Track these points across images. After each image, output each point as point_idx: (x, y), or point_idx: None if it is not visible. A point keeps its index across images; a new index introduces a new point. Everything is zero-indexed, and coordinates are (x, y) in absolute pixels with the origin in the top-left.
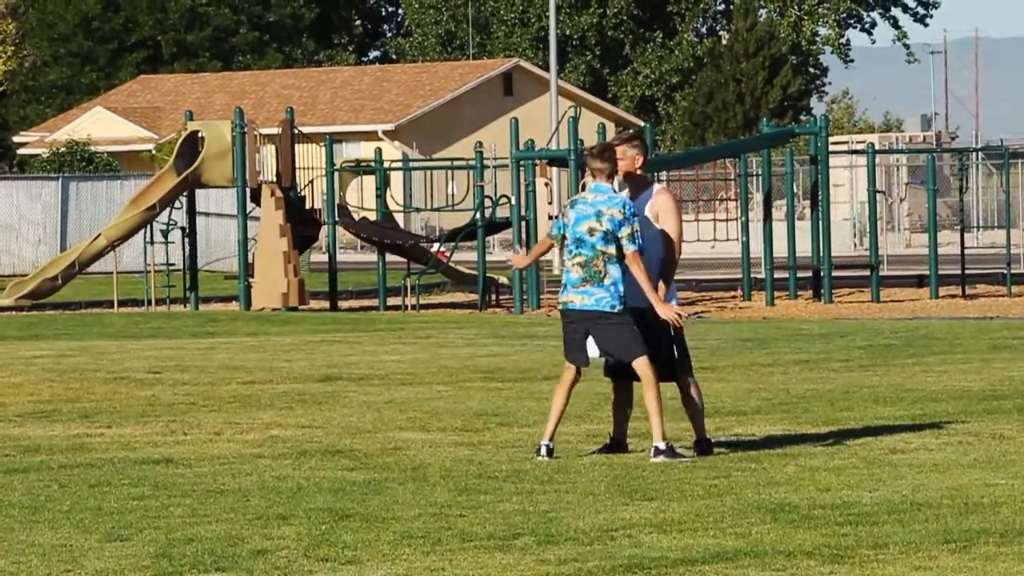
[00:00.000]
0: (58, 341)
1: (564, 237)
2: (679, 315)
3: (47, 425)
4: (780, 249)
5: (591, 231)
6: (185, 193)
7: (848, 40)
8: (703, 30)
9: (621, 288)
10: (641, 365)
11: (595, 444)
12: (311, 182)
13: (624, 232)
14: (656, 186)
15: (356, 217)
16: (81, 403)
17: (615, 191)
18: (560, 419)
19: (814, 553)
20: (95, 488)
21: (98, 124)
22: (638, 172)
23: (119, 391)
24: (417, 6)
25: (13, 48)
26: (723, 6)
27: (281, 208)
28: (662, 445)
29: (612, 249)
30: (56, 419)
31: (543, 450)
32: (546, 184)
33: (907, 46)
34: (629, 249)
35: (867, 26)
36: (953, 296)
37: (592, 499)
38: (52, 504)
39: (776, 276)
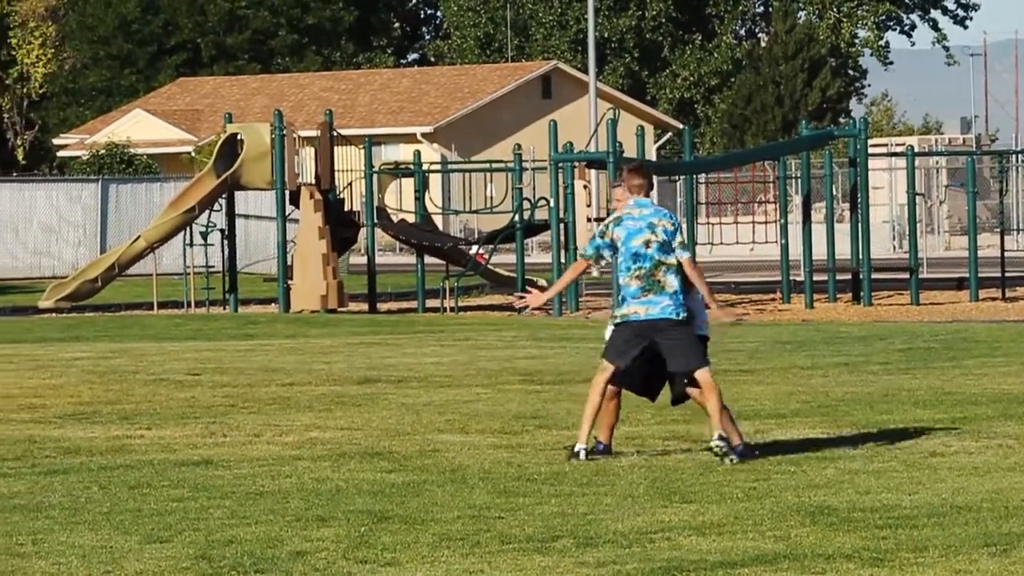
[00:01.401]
0: (98, 343)
1: (600, 256)
2: (739, 317)
3: (87, 427)
4: (819, 252)
5: (647, 243)
6: (224, 195)
7: (887, 42)
8: (742, 32)
9: (682, 296)
10: (704, 375)
11: (634, 446)
12: (350, 184)
13: (676, 241)
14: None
15: (395, 219)
16: (121, 405)
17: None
18: (595, 422)
19: (853, 556)
20: (135, 490)
21: (138, 126)
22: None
23: (159, 393)
24: (456, 9)
25: (53, 51)
26: (762, 8)
27: (320, 210)
28: (720, 442)
29: (670, 259)
30: (96, 421)
31: (581, 455)
32: (584, 186)
33: (947, 48)
34: (684, 256)
35: (906, 28)
36: (993, 299)
37: (631, 501)
38: (92, 505)
39: (815, 279)
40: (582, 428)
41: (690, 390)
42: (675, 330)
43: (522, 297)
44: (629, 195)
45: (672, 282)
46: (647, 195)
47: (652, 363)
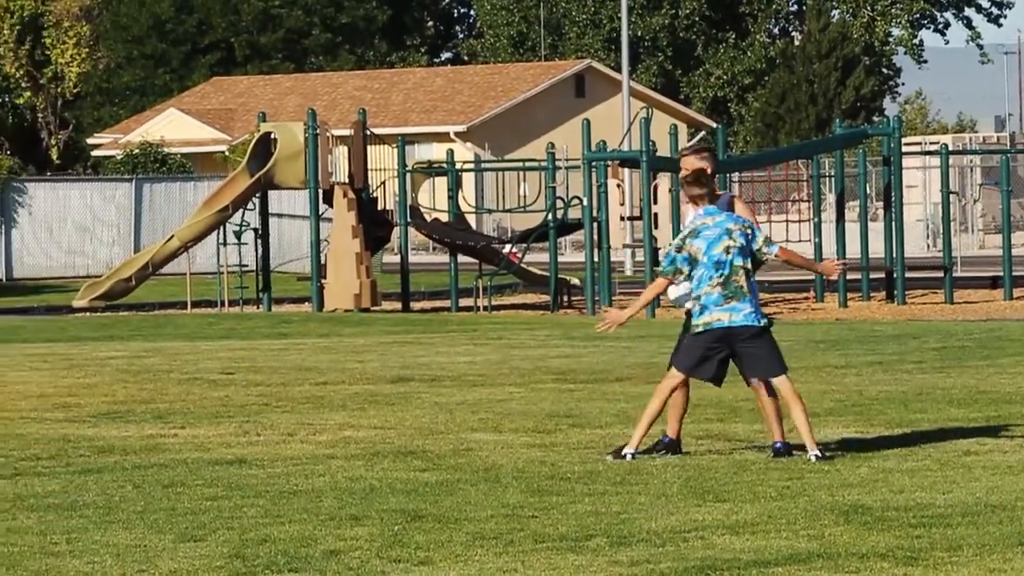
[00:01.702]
0: (132, 342)
1: (679, 271)
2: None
3: (121, 426)
4: (853, 250)
5: (727, 249)
6: (258, 194)
7: (921, 41)
8: (775, 31)
9: (758, 301)
10: (783, 382)
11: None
12: (383, 183)
13: (761, 240)
14: (727, 194)
15: (428, 218)
16: (155, 404)
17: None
18: (650, 428)
19: (887, 555)
20: (169, 489)
21: (171, 126)
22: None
23: (192, 392)
24: (489, 7)
25: (87, 50)
26: (796, 7)
27: (353, 209)
28: (819, 452)
29: (748, 263)
30: (130, 420)
31: (628, 457)
32: (618, 185)
33: (980, 46)
34: (774, 251)
35: (940, 27)
36: None
37: (664, 500)
38: (126, 504)
39: (849, 277)
40: (636, 431)
41: (757, 390)
42: (757, 338)
43: (604, 319)
44: (695, 206)
45: (751, 287)
46: (712, 201)
47: (722, 366)
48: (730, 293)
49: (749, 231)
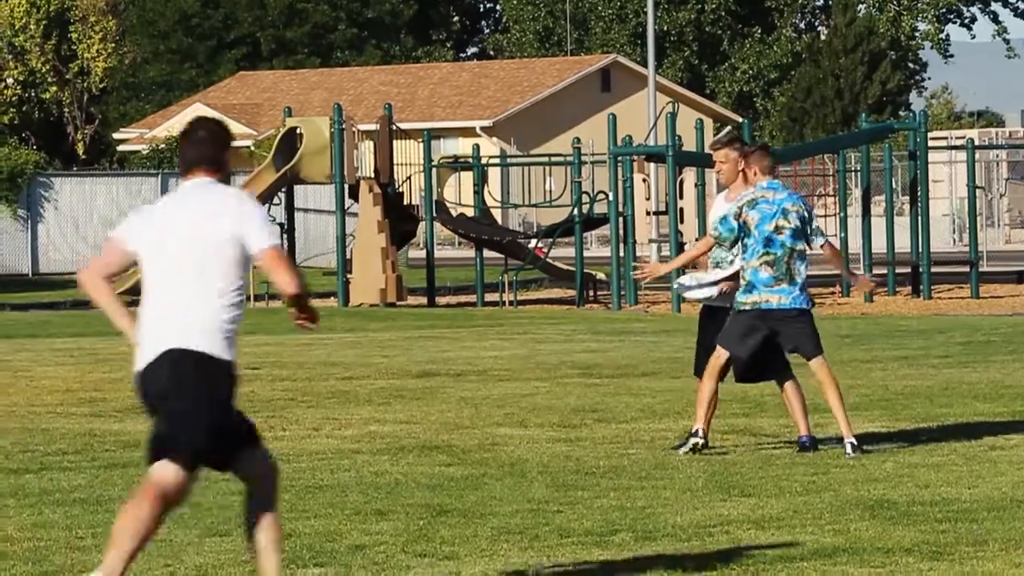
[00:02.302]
0: None
1: (731, 238)
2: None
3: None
4: (879, 245)
5: (779, 229)
6: (284, 189)
7: (947, 35)
8: (801, 25)
9: (806, 284)
10: (819, 363)
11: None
12: (409, 178)
13: (814, 227)
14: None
15: (454, 213)
16: None
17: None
18: (712, 408)
19: (913, 550)
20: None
21: None
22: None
23: None
24: (515, 2)
25: (114, 45)
26: (822, 1)
27: (379, 204)
28: (855, 441)
29: (801, 246)
30: None
31: (700, 434)
32: (644, 180)
33: (1007, 41)
34: (820, 241)
35: (966, 21)
36: None
37: (690, 495)
38: None
39: (875, 272)
40: (697, 413)
41: (786, 389)
42: (800, 319)
43: (640, 269)
44: (760, 175)
45: (801, 271)
46: (773, 174)
47: (761, 350)
48: (781, 276)
49: (807, 214)
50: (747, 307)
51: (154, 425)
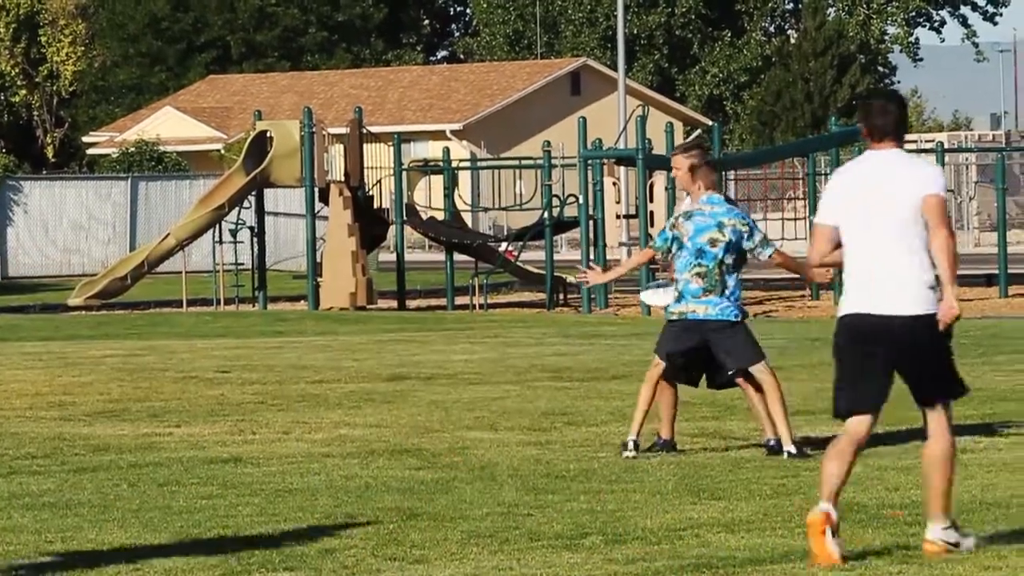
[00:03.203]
0: (127, 340)
1: (670, 250)
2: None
3: (116, 424)
4: None
5: (713, 242)
6: (254, 192)
7: (917, 39)
8: (771, 29)
9: (738, 296)
10: (761, 369)
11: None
12: (379, 182)
13: (757, 240)
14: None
15: (424, 216)
16: (150, 402)
17: (728, 200)
18: (646, 416)
19: (883, 553)
20: (164, 487)
21: (167, 124)
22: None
23: (188, 390)
24: (485, 6)
25: (83, 48)
26: (791, 5)
27: (349, 208)
28: (793, 449)
29: (731, 259)
30: (125, 418)
31: (630, 445)
32: (614, 183)
33: (976, 44)
34: (768, 252)
35: (936, 25)
36: (1022, 295)
37: (660, 498)
38: (121, 503)
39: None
40: (634, 420)
41: (745, 388)
42: (731, 330)
43: (584, 273)
44: (703, 190)
45: (731, 282)
46: (716, 189)
47: (696, 352)
48: (710, 287)
49: (746, 229)
50: (675, 316)
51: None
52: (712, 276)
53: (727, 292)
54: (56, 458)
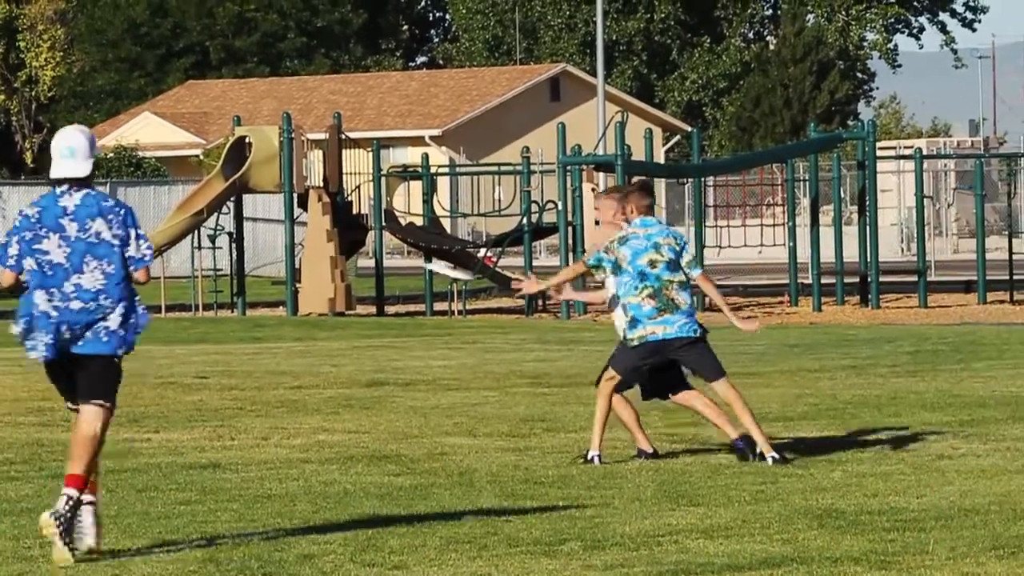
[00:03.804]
0: None
1: (600, 268)
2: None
3: None
4: (827, 254)
5: (652, 263)
6: (232, 198)
7: (896, 45)
8: (750, 35)
9: (695, 312)
10: (723, 385)
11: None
12: (358, 187)
13: (685, 260)
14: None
15: (403, 222)
16: (129, 408)
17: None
18: (604, 428)
19: (861, 559)
20: (142, 493)
21: (146, 129)
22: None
23: (166, 396)
24: (464, 12)
25: (62, 54)
26: (771, 11)
27: (328, 213)
28: (775, 455)
29: (679, 276)
30: None
31: (595, 461)
32: (593, 189)
33: (955, 51)
34: (696, 273)
35: (915, 31)
36: (1001, 302)
37: (638, 504)
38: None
39: (823, 281)
40: (594, 433)
41: (682, 398)
42: (693, 346)
43: (519, 281)
44: (635, 214)
45: (685, 299)
46: (652, 213)
47: (659, 367)
48: (663, 306)
49: (679, 247)
50: (635, 342)
51: None
52: (662, 295)
53: (683, 309)
54: (34, 464)
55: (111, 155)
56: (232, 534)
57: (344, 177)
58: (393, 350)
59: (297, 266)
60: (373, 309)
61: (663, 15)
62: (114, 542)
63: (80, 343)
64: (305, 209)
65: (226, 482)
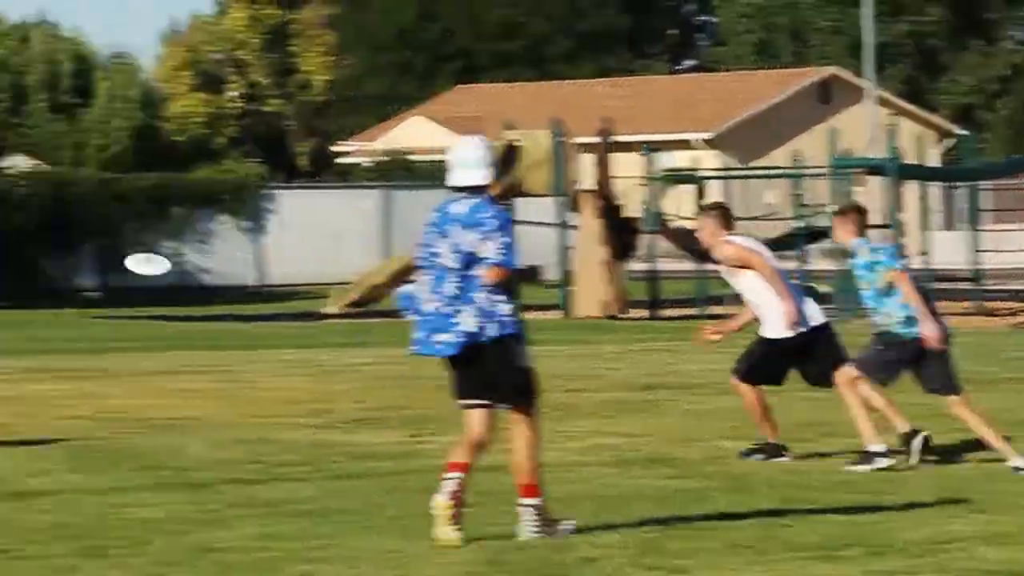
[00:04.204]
0: (383, 348)
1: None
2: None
3: (375, 432)
4: None
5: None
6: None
7: None
8: (1021, 37)
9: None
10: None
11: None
12: (628, 191)
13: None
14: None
15: (673, 226)
16: (408, 410)
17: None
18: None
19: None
20: (424, 495)
21: (417, 133)
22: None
23: (445, 398)
24: (732, 16)
25: (333, 59)
26: None
27: (599, 217)
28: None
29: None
30: (383, 426)
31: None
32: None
33: None
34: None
35: None
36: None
37: (919, 511)
38: (380, 511)
39: None
40: (897, 426)
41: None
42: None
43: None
44: (856, 235)
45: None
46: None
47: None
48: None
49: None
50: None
51: None
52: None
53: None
54: (315, 465)
55: (383, 159)
56: (513, 536)
57: (615, 181)
58: (667, 353)
59: (570, 269)
60: (646, 312)
61: (932, 17)
62: (396, 544)
63: None
64: (576, 212)
65: (507, 484)
